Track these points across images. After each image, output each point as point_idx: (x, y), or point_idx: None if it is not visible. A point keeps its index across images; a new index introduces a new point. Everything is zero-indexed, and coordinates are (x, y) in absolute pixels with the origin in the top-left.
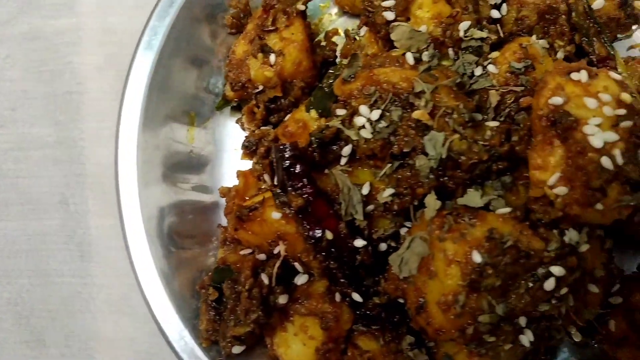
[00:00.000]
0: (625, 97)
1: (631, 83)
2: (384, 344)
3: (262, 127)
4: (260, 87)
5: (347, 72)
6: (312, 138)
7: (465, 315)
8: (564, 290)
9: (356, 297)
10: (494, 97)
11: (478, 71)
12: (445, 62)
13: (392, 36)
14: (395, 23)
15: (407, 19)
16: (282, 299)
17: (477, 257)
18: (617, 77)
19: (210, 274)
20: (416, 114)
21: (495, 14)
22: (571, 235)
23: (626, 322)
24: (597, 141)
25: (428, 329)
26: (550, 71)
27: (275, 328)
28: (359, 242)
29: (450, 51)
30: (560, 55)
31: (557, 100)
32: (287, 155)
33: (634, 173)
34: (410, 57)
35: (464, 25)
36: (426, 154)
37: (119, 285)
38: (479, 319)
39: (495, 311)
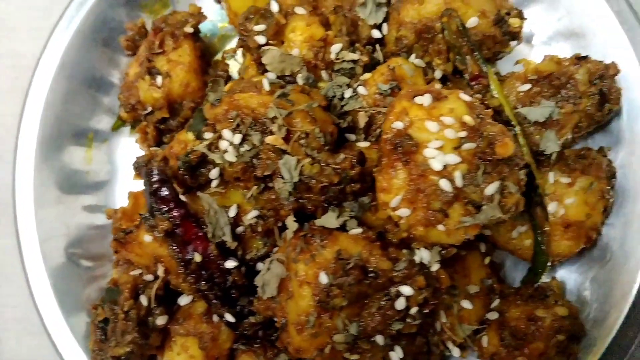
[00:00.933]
0: (468, 119)
1: (504, 98)
2: None
3: (152, 148)
4: (150, 109)
5: (212, 97)
6: (179, 162)
7: (322, 335)
8: (414, 310)
9: (229, 317)
10: (362, 119)
11: (348, 93)
12: (322, 84)
13: (263, 60)
14: (266, 47)
15: (282, 42)
16: (161, 320)
17: (323, 278)
18: (467, 98)
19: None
20: (269, 139)
21: (376, 34)
22: (422, 255)
23: (498, 338)
24: (436, 164)
25: (289, 348)
26: (399, 95)
27: (164, 347)
28: (230, 263)
29: (324, 73)
30: (437, 74)
31: (398, 124)
32: (153, 179)
33: (475, 195)
34: (266, 83)
35: (335, 47)
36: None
37: (24, 304)
38: (334, 338)
39: (349, 330)
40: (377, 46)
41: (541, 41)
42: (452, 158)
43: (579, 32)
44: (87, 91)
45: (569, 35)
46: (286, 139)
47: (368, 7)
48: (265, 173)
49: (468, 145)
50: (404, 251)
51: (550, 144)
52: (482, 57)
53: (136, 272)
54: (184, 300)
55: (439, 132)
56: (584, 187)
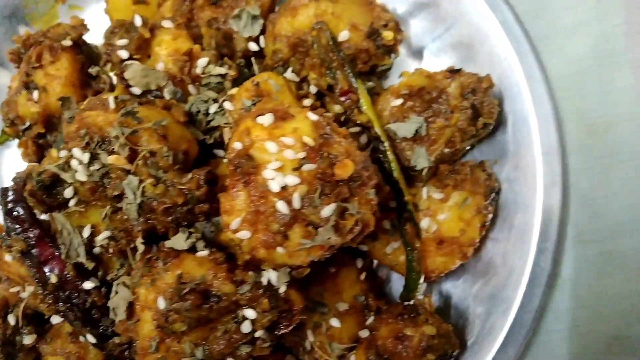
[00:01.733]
0: (308, 140)
1: (373, 114)
2: None
3: (32, 163)
4: (28, 123)
5: (67, 114)
6: (33, 181)
7: (170, 358)
8: (260, 333)
9: (90, 338)
10: (227, 135)
11: (213, 108)
12: (191, 99)
13: (126, 75)
14: (128, 62)
15: (149, 57)
16: (28, 339)
17: (161, 303)
18: (314, 118)
19: None
20: (111, 159)
21: (253, 47)
22: (270, 276)
23: (365, 358)
24: (275, 185)
25: None
26: (246, 114)
27: None
28: (89, 284)
29: (192, 88)
30: (312, 88)
31: (237, 145)
32: (8, 199)
33: (314, 217)
34: (111, 101)
35: (201, 62)
36: None
37: None
38: None
39: (196, 355)
40: (253, 59)
41: (431, 53)
42: (292, 179)
43: (466, 42)
44: None
45: (457, 46)
46: (132, 158)
47: (243, 20)
48: (115, 193)
49: (308, 167)
50: (250, 273)
51: (421, 159)
52: (353, 71)
53: (15, 288)
54: (55, 320)
55: (278, 153)
56: (458, 202)
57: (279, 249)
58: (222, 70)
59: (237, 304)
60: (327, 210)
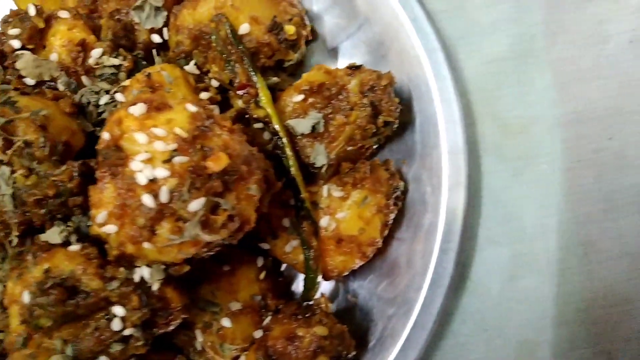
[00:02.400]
0: (180, 131)
1: (272, 108)
2: None
3: None
4: None
5: None
6: None
7: (41, 356)
8: (130, 331)
9: None
10: None
11: (104, 100)
12: (82, 90)
13: (17, 65)
14: (20, 52)
15: (44, 47)
16: None
17: (25, 297)
18: (193, 109)
19: None
20: None
21: (156, 38)
22: (143, 273)
23: (255, 359)
24: (142, 178)
25: None
26: (121, 103)
27: None
28: None
29: (86, 79)
30: (214, 82)
31: (106, 135)
32: None
33: (183, 211)
34: None
35: (95, 52)
36: None
37: None
38: (51, 359)
39: (65, 352)
40: (154, 51)
41: (345, 51)
42: (161, 172)
43: (379, 40)
44: None
45: (370, 44)
46: (7, 149)
47: (145, 12)
48: None
49: (179, 159)
50: (121, 269)
51: (320, 156)
52: (253, 65)
53: None
54: None
55: (148, 144)
56: (357, 200)
57: (147, 245)
58: (116, 61)
59: (107, 300)
60: (195, 204)
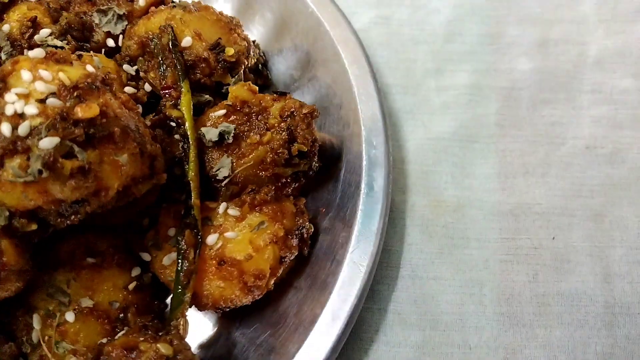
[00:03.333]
0: (64, 77)
1: (188, 112)
2: None
3: None
4: None
5: None
6: None
7: None
8: None
9: None
10: None
11: None
12: None
13: None
14: None
15: (1, 20)
16: None
17: None
18: (91, 69)
19: None
20: None
21: (110, 42)
22: None
23: None
24: (10, 109)
25: None
26: None
27: None
28: None
29: (27, 52)
30: (147, 86)
31: None
32: None
33: (36, 149)
34: None
35: (44, 31)
36: None
37: None
38: None
39: None
40: (102, 52)
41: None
42: (30, 109)
43: (324, 94)
44: None
45: (316, 94)
46: None
47: (108, 16)
48: None
49: (52, 101)
50: None
51: (224, 169)
52: (184, 73)
53: None
54: None
55: (29, 82)
56: (252, 224)
57: None
58: (59, 43)
59: None
60: (47, 141)
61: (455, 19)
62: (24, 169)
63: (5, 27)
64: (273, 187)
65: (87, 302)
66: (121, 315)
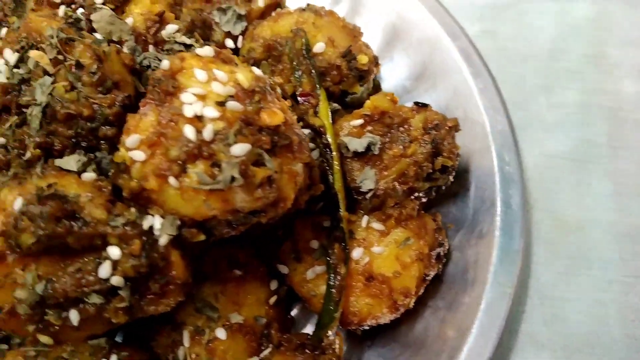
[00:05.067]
0: (242, 79)
1: (328, 121)
2: None
3: None
4: None
5: (16, 23)
6: None
7: (5, 287)
8: (117, 280)
9: None
10: None
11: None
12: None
13: (93, 17)
14: (100, 5)
15: (122, 12)
16: None
17: (17, 203)
18: (259, 72)
19: None
20: (33, 53)
21: (229, 43)
22: (154, 222)
23: None
24: (189, 110)
25: None
26: None
27: None
28: None
29: (152, 49)
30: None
31: (165, 63)
32: None
33: (222, 155)
34: (61, 10)
35: (171, 27)
36: None
37: None
38: (16, 293)
39: (35, 288)
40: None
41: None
42: (210, 111)
43: (444, 106)
44: None
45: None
46: (56, 64)
47: (227, 15)
48: (27, 98)
49: (233, 105)
50: (131, 210)
51: (368, 181)
52: (319, 80)
53: None
54: None
55: (205, 83)
56: (398, 240)
57: (172, 181)
58: (188, 41)
59: (103, 240)
60: (239, 148)
61: (559, 38)
62: (211, 175)
63: (129, 20)
64: (417, 203)
65: (236, 318)
66: (265, 331)
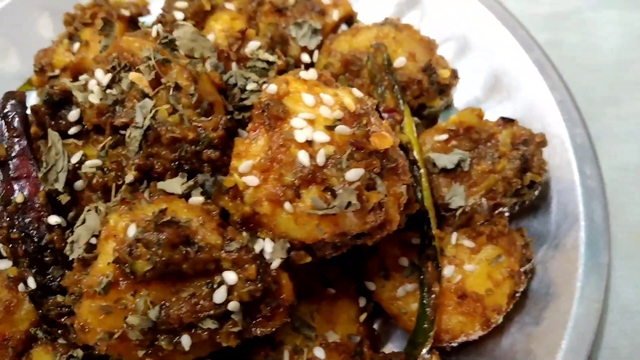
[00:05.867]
0: (349, 103)
1: (414, 137)
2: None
3: None
4: (57, 72)
5: (103, 42)
6: (42, 95)
7: (115, 313)
8: (233, 305)
9: (31, 283)
10: None
11: (251, 86)
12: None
13: (175, 33)
14: (182, 22)
15: (202, 28)
16: None
17: (131, 231)
18: (359, 94)
19: None
20: (132, 75)
21: (305, 58)
22: (265, 246)
23: None
24: (301, 135)
25: (75, 326)
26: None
27: None
28: (54, 219)
29: (234, 67)
30: None
31: (272, 88)
32: (8, 102)
33: (335, 180)
34: (154, 30)
35: (253, 44)
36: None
37: None
38: (128, 319)
39: (148, 314)
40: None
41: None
42: (320, 136)
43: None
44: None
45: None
46: (154, 86)
47: (303, 29)
48: (123, 120)
49: (342, 129)
50: (243, 234)
51: (457, 198)
52: (402, 95)
53: None
54: (1, 265)
55: (313, 107)
56: (490, 257)
57: (287, 206)
58: (271, 57)
59: (217, 264)
60: (354, 173)
61: (624, 47)
62: (325, 200)
63: (211, 37)
64: (507, 219)
65: (333, 337)
66: (357, 349)
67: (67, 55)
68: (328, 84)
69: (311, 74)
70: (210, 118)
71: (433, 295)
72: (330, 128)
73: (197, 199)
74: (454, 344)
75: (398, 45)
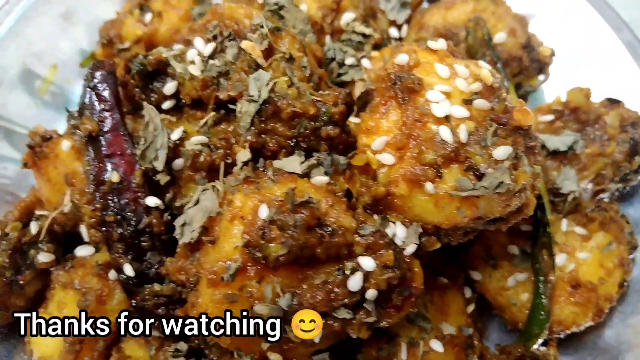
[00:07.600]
0: (485, 75)
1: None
2: (154, 354)
3: None
4: (127, 44)
5: (197, 10)
6: (134, 65)
7: (241, 301)
8: (370, 294)
9: (128, 270)
10: (358, 88)
11: (350, 61)
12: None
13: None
14: None
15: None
16: (44, 258)
17: (263, 211)
18: (487, 66)
19: None
20: (245, 44)
21: (393, 32)
22: (397, 230)
23: None
24: (439, 110)
25: (192, 312)
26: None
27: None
28: (152, 201)
29: (328, 39)
30: None
31: (403, 58)
32: (98, 72)
33: (480, 158)
34: None
35: (347, 16)
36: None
37: None
38: (255, 308)
39: (278, 303)
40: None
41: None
42: (459, 110)
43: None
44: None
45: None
46: (266, 55)
47: (392, 2)
48: (231, 94)
49: (480, 103)
50: (375, 217)
51: (568, 182)
52: (504, 70)
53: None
54: (82, 251)
55: (449, 79)
56: (601, 245)
57: (429, 187)
58: (367, 30)
59: (350, 248)
60: (502, 151)
61: None
62: (471, 181)
63: (303, 7)
64: (617, 205)
65: (448, 329)
66: (469, 340)
67: (138, 26)
68: (455, 54)
69: (441, 44)
70: (327, 92)
71: (549, 285)
72: (467, 102)
73: (321, 178)
74: (562, 336)
75: (497, 20)
